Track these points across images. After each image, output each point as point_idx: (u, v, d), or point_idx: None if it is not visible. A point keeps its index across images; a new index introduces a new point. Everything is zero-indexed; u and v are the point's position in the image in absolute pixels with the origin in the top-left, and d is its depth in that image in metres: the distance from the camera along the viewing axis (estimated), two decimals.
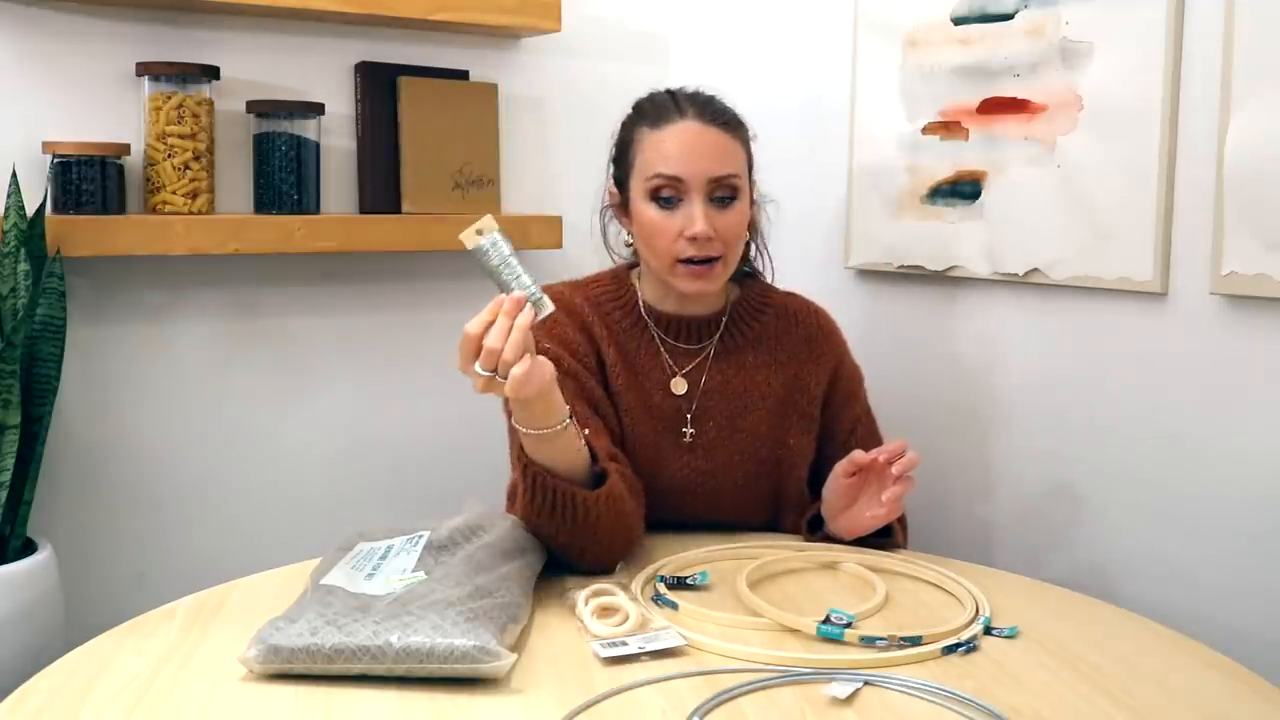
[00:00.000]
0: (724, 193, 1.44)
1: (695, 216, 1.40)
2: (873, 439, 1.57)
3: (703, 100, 1.48)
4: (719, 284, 1.48)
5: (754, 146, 1.53)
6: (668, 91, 1.50)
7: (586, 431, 1.35)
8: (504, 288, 1.21)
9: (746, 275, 1.60)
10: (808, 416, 1.55)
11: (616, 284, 1.55)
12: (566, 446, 1.28)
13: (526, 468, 1.28)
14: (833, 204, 2.03)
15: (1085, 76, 1.59)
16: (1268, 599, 1.43)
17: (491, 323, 1.17)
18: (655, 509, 1.46)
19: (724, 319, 1.54)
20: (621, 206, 1.52)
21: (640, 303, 1.53)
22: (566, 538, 1.30)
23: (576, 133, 2.11)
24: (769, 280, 1.64)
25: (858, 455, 1.40)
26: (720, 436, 1.51)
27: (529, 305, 1.19)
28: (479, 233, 1.21)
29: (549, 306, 1.21)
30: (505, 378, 1.16)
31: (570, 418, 1.27)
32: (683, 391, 1.50)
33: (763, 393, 1.53)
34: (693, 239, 1.41)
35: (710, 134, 1.44)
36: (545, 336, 1.45)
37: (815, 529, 1.50)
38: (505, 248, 1.21)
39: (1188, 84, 1.49)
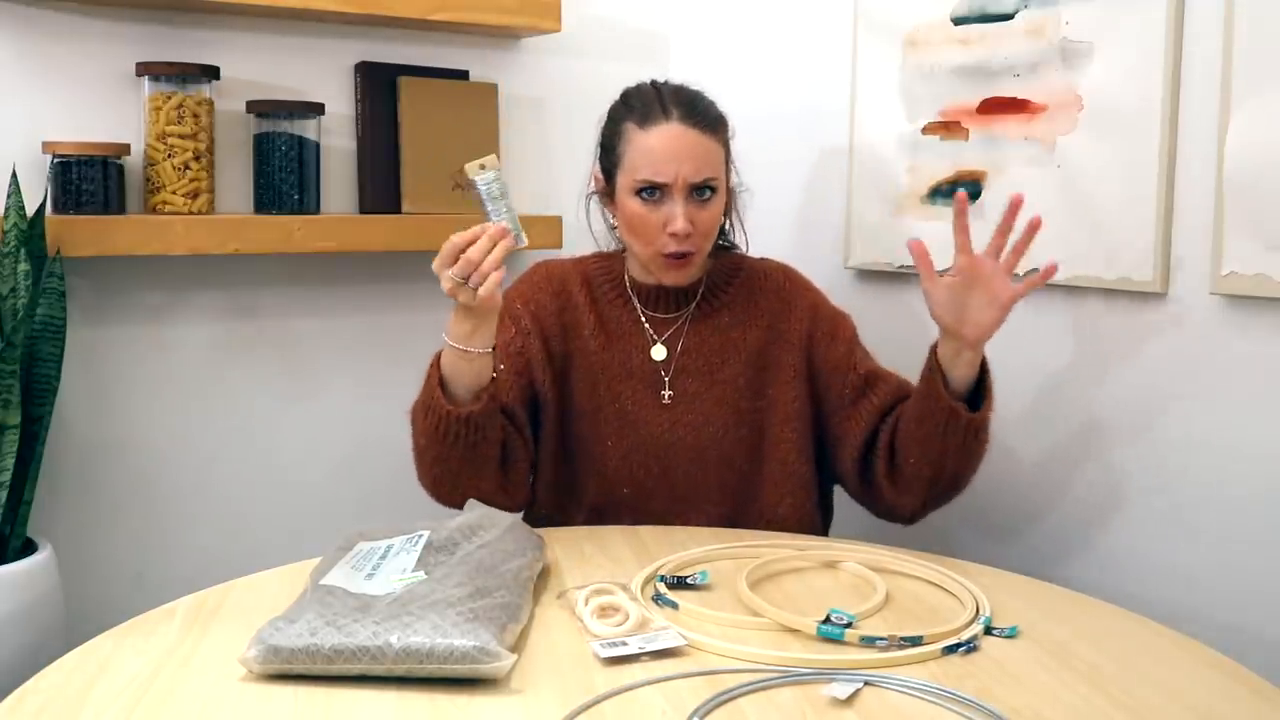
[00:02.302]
0: (703, 191, 1.54)
1: (677, 215, 1.52)
2: (888, 377, 1.59)
3: (687, 100, 1.56)
4: (696, 271, 1.61)
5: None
6: (654, 86, 1.58)
7: (501, 368, 1.54)
8: (491, 219, 1.37)
9: (722, 249, 1.69)
10: (788, 368, 1.60)
11: (609, 261, 1.68)
12: (480, 371, 1.43)
13: (430, 393, 1.44)
14: (833, 204, 2.03)
15: (1085, 76, 1.59)
16: (1268, 599, 1.43)
17: (473, 241, 1.34)
18: (646, 470, 1.58)
19: (700, 290, 1.63)
20: (607, 194, 1.61)
21: (626, 276, 1.65)
22: (435, 446, 1.46)
23: (576, 133, 2.10)
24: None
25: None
26: (699, 391, 1.60)
27: (511, 237, 1.35)
28: (482, 167, 1.36)
29: (525, 240, 1.37)
30: (475, 287, 1.34)
31: (492, 349, 1.44)
32: (662, 357, 1.61)
33: (738, 347, 1.61)
34: (673, 235, 1.52)
35: (693, 137, 1.53)
36: (518, 297, 1.63)
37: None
38: (501, 187, 1.37)
39: (1188, 84, 1.48)
